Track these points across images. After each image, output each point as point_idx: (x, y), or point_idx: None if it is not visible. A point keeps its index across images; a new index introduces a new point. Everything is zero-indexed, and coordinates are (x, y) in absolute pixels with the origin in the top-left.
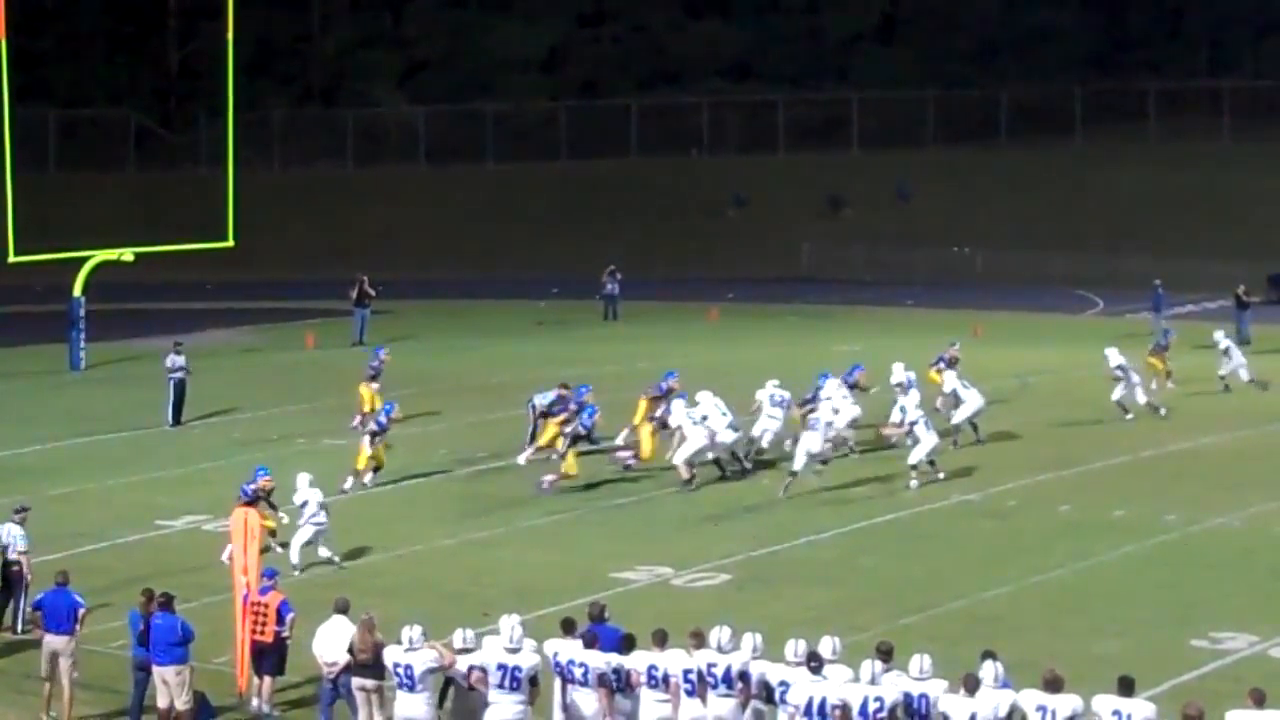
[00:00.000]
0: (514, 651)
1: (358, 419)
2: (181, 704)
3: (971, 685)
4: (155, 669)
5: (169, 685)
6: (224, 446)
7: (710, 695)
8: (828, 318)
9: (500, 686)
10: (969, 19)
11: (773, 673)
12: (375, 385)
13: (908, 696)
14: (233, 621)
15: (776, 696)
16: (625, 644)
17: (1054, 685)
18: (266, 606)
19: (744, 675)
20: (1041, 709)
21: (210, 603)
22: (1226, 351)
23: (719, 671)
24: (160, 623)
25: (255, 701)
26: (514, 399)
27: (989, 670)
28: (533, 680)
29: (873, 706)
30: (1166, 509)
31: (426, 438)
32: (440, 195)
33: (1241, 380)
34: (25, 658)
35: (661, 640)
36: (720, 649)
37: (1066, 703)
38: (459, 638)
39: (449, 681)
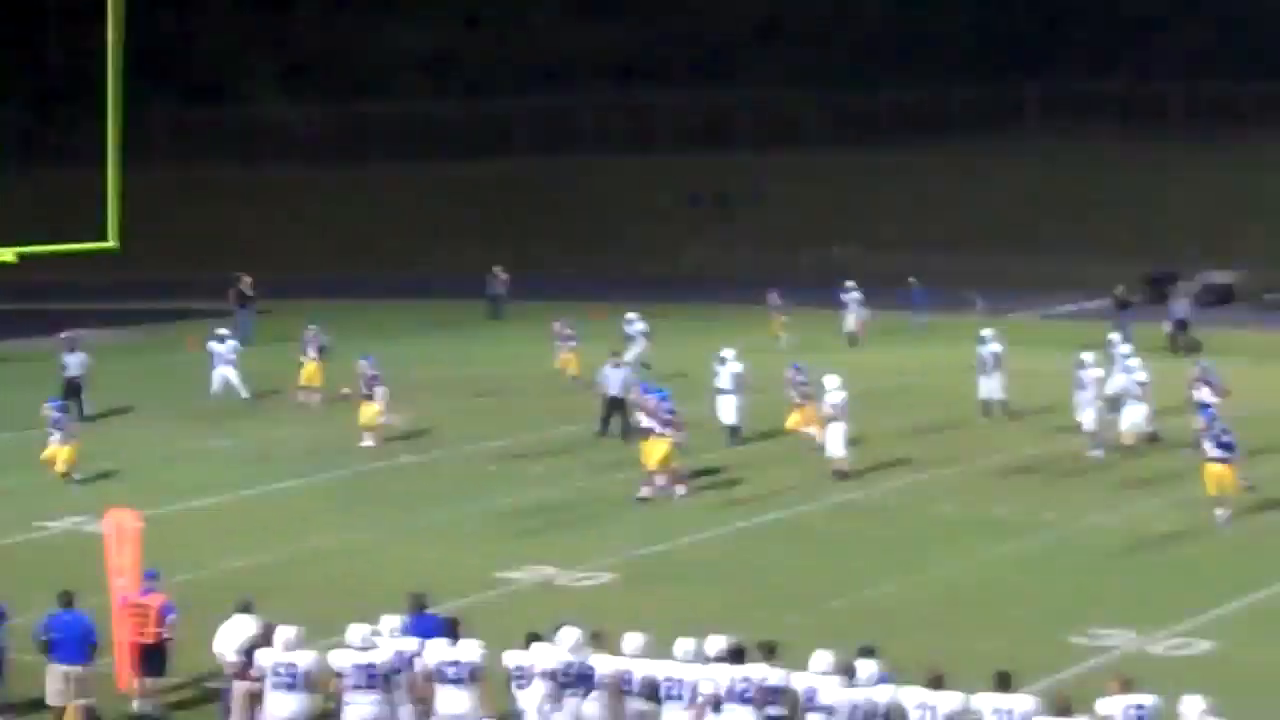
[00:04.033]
0: (367, 650)
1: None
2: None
3: (850, 673)
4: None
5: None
6: (104, 448)
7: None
8: (710, 319)
9: (358, 687)
10: (852, 21)
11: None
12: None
13: (809, 692)
14: (113, 623)
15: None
16: (450, 629)
17: (936, 683)
18: (148, 608)
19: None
20: (922, 706)
21: (93, 604)
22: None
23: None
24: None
25: (136, 702)
26: (397, 399)
27: (864, 668)
28: (386, 677)
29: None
30: (1045, 507)
31: (308, 440)
32: (325, 196)
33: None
34: None
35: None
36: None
37: (948, 700)
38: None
39: None
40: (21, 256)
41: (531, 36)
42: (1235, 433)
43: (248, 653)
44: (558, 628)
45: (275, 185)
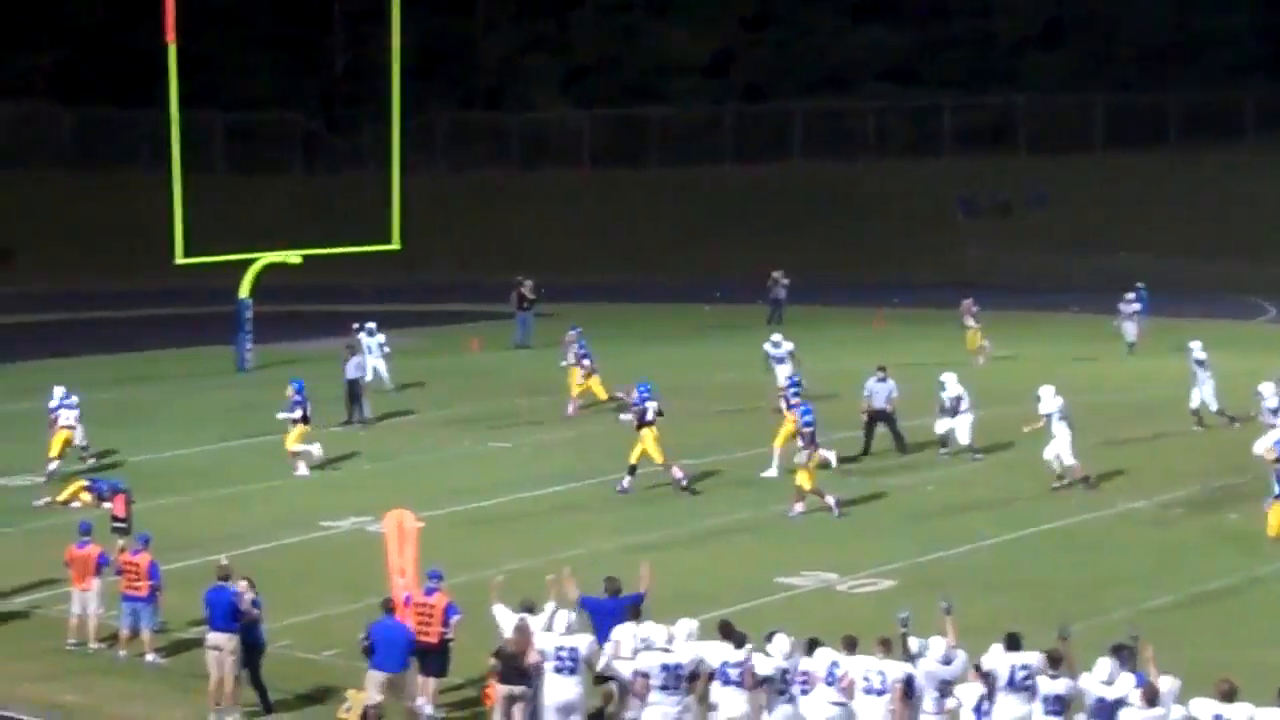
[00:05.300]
0: (671, 651)
1: None
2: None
3: (1151, 695)
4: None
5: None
6: (387, 449)
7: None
8: (992, 324)
9: (665, 688)
10: (1137, 22)
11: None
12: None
13: (1100, 701)
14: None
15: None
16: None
17: (1229, 696)
18: (432, 608)
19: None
20: (1217, 718)
21: (375, 604)
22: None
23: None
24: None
25: (419, 702)
26: (675, 403)
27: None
28: (692, 676)
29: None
30: None
31: (588, 441)
32: (603, 199)
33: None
34: (191, 656)
35: (850, 646)
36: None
37: (1240, 712)
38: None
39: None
40: (306, 258)
41: (812, 39)
42: None
43: (498, 654)
44: (770, 636)
45: (554, 188)
